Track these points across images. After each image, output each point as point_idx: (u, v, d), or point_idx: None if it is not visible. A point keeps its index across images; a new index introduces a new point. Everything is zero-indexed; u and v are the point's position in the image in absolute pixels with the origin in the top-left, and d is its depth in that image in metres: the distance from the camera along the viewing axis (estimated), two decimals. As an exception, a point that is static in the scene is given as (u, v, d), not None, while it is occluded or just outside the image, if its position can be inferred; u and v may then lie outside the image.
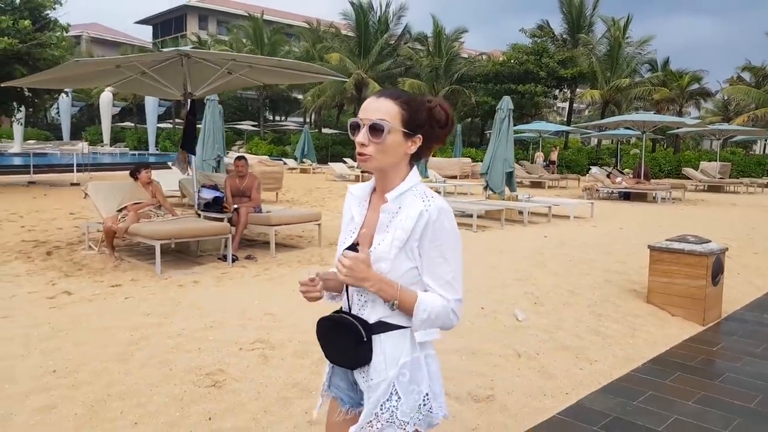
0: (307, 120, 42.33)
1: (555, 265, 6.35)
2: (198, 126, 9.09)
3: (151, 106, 33.09)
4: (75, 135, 39.87)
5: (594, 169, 18.13)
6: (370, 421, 1.45)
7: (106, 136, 35.21)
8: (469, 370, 3.48)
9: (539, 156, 24.81)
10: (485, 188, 11.35)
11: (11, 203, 10.85)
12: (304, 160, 26.21)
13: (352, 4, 31.82)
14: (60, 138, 39.42)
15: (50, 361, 3.35)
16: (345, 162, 24.04)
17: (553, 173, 23.24)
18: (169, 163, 10.96)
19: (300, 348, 3.57)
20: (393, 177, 1.49)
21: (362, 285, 1.41)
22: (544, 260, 6.58)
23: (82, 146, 25.08)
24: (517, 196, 11.04)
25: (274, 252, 6.58)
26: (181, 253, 6.50)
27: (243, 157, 7.08)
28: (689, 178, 21.46)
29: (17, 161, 22.36)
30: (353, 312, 1.50)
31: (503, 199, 10.74)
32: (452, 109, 1.60)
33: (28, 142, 31.32)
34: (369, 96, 1.53)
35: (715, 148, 38.09)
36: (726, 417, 3.09)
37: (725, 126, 24.65)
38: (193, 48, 6.29)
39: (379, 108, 1.45)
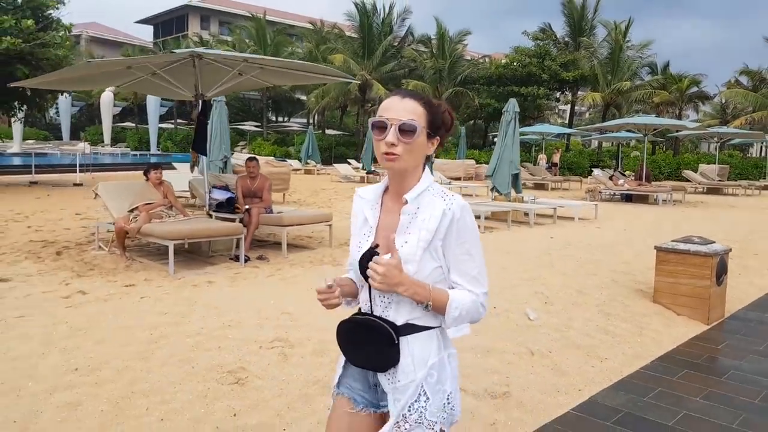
0: (311, 121, 42.37)
1: (562, 265, 6.43)
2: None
3: (153, 106, 33.10)
4: (74, 135, 39.89)
5: (596, 171, 18.24)
6: (398, 422, 1.46)
7: (107, 136, 35.25)
8: (484, 368, 3.55)
9: (542, 158, 24.90)
10: (491, 190, 11.43)
11: (15, 203, 10.91)
12: (309, 161, 26.27)
13: (356, 5, 31.90)
14: (59, 138, 39.46)
15: (71, 359, 3.41)
16: (349, 163, 24.11)
17: (555, 175, 23.34)
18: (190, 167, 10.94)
19: (318, 346, 3.64)
20: (411, 178, 1.49)
21: (396, 290, 1.40)
22: (552, 261, 6.66)
23: (84, 146, 25.17)
24: (522, 197, 11.13)
25: (286, 252, 6.65)
26: (193, 254, 6.57)
27: (254, 158, 7.15)
28: (689, 181, 21.57)
29: (19, 161, 22.39)
30: (376, 314, 1.49)
31: (509, 201, 10.82)
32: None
33: (27, 141, 31.34)
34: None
35: (713, 150, 38.23)
36: (733, 412, 3.16)
37: (725, 129, 24.80)
38: (205, 49, 6.33)
39: (406, 108, 1.45)
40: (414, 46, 34.43)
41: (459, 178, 21.40)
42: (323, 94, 32.45)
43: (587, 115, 52.31)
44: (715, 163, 22.81)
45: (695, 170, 22.96)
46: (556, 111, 44.26)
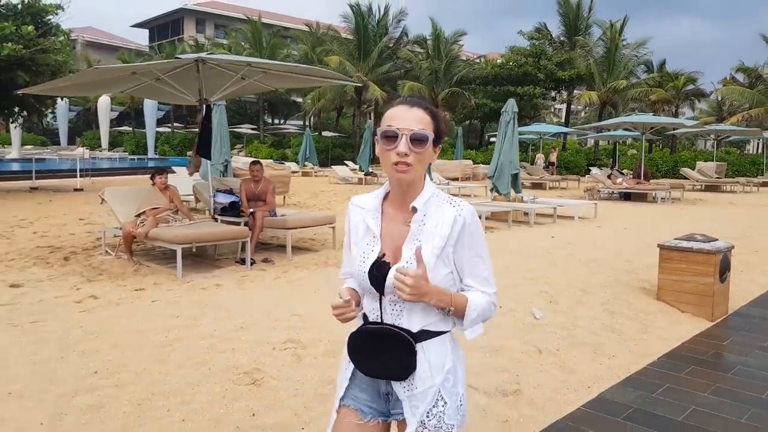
0: (307, 123, 42.43)
1: (565, 264, 6.50)
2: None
3: (150, 109, 33.06)
4: (72, 140, 39.86)
5: (594, 170, 18.34)
6: (417, 430, 1.46)
7: (105, 141, 35.23)
8: (494, 366, 3.62)
9: (539, 157, 25.01)
10: (491, 190, 11.50)
11: (18, 209, 10.93)
12: (306, 163, 26.33)
13: (351, 7, 31.97)
14: (56, 143, 39.43)
15: (90, 362, 3.47)
16: (347, 165, 24.17)
17: (552, 174, 23.45)
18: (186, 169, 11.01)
19: (330, 347, 3.70)
20: (416, 186, 1.49)
21: (423, 300, 1.41)
22: (554, 260, 6.73)
23: (83, 151, 25.17)
24: (522, 197, 11.21)
25: (291, 255, 6.71)
26: (199, 257, 6.62)
27: (258, 162, 7.21)
28: (687, 178, 21.70)
29: (19, 167, 22.38)
30: (387, 323, 1.49)
31: (509, 201, 10.89)
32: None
33: (25, 147, 31.35)
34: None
35: (709, 147, 38.39)
36: (740, 407, 3.23)
37: (722, 126, 24.94)
38: (208, 54, 6.40)
39: (415, 117, 1.45)
40: (410, 47, 34.50)
41: (457, 179, 21.48)
42: (319, 96, 32.50)
43: (582, 113, 52.52)
44: (712, 161, 22.94)
45: (693, 168, 23.10)
46: (552, 110, 44.44)
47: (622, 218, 11.21)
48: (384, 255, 1.47)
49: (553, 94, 33.74)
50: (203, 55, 6.47)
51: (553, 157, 26.58)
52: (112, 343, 3.78)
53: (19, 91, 7.88)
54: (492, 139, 37.36)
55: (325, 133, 36.62)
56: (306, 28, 38.94)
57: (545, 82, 29.91)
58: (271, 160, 22.91)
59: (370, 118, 33.79)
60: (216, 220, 6.89)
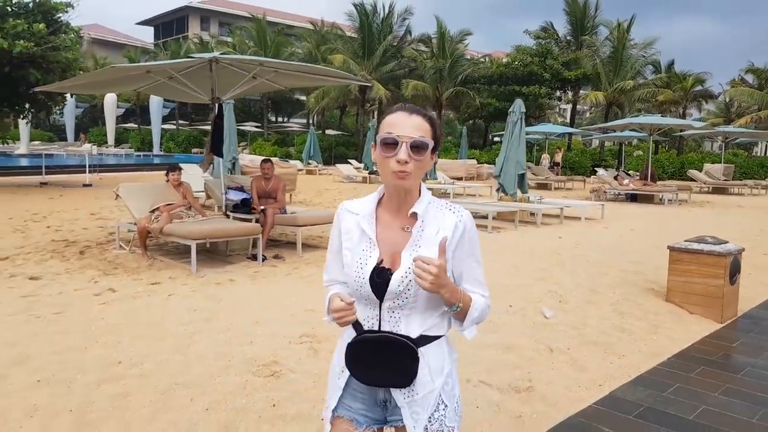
0: (311, 121, 42.54)
1: (573, 265, 6.56)
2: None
3: (156, 107, 33.19)
4: (78, 136, 40.08)
5: (601, 171, 18.36)
6: None
7: (111, 137, 35.40)
8: (506, 364, 3.69)
9: (545, 158, 25.03)
10: (497, 190, 11.56)
11: (30, 204, 11.04)
12: (310, 161, 26.42)
13: (356, 6, 32.00)
14: (63, 139, 39.66)
15: (113, 353, 3.55)
16: (350, 163, 24.25)
17: (557, 175, 23.47)
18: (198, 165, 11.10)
19: (347, 342, 3.77)
20: (413, 192, 1.50)
21: (440, 291, 1.41)
22: (562, 260, 6.79)
23: (91, 148, 25.33)
24: (528, 197, 11.26)
25: (301, 252, 6.79)
26: (211, 253, 6.71)
27: (269, 160, 7.30)
28: (693, 180, 21.68)
29: (28, 162, 22.54)
30: (384, 329, 1.48)
31: (515, 201, 10.95)
32: None
33: (32, 143, 31.55)
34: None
35: (716, 149, 38.31)
36: (751, 407, 3.29)
37: (731, 128, 24.90)
38: (222, 54, 6.48)
39: (415, 125, 1.45)
40: (414, 46, 34.52)
41: (461, 178, 21.52)
42: (323, 94, 32.54)
43: (588, 114, 52.46)
44: (720, 163, 22.90)
45: (700, 169, 23.08)
46: (557, 110, 44.40)
47: (629, 220, 11.25)
48: (382, 261, 1.47)
49: (558, 93, 33.70)
50: (217, 54, 6.54)
51: (558, 158, 26.58)
52: (133, 334, 3.87)
53: (37, 89, 7.98)
54: (496, 139, 37.43)
55: (328, 132, 36.69)
56: (310, 27, 39.03)
57: (551, 81, 29.84)
58: (277, 159, 23.01)
59: (374, 117, 33.86)
60: (228, 216, 6.97)
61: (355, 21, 32.54)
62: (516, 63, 30.69)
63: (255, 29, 36.89)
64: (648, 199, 15.42)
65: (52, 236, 7.66)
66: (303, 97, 40.29)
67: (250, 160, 16.42)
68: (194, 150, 38.22)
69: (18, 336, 3.82)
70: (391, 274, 1.44)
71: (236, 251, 6.80)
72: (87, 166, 16.99)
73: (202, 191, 8.62)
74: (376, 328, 1.48)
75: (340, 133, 37.04)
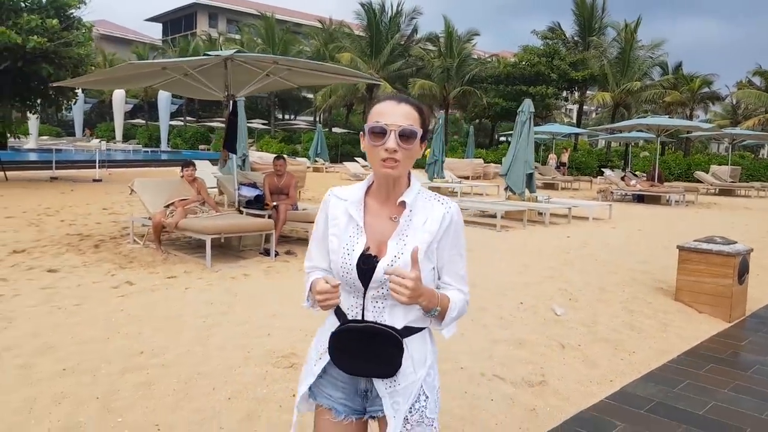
0: (317, 119, 42.66)
1: (582, 264, 6.62)
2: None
3: (164, 103, 33.36)
4: (84, 132, 40.31)
5: (608, 172, 18.37)
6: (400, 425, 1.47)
7: (119, 133, 35.62)
8: (519, 359, 3.75)
9: (552, 158, 25.04)
10: (505, 189, 11.61)
11: (42, 198, 11.16)
12: (317, 159, 26.52)
13: (363, 5, 32.04)
14: (71, 134, 39.91)
15: (135, 344, 3.64)
16: (357, 161, 24.33)
17: (564, 175, 23.48)
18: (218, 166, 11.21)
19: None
20: (402, 181, 1.49)
21: (417, 302, 1.38)
22: (571, 259, 6.85)
23: (100, 143, 25.52)
24: (536, 197, 11.31)
25: (313, 248, 6.86)
26: (223, 248, 6.79)
27: (282, 157, 7.38)
28: (700, 182, 21.65)
29: (37, 157, 22.72)
30: (368, 319, 1.46)
31: (523, 200, 11.00)
32: None
33: (41, 138, 31.79)
34: (382, 95, 1.51)
35: (722, 151, 38.16)
36: (760, 404, 3.35)
37: (738, 130, 24.84)
38: (236, 52, 6.56)
39: (403, 113, 1.44)
40: (422, 45, 34.57)
41: (467, 177, 21.56)
42: (330, 92, 32.63)
43: (594, 114, 52.36)
44: (726, 164, 22.87)
45: (706, 171, 23.05)
46: (564, 110, 44.35)
47: (636, 220, 11.29)
48: (369, 248, 1.46)
49: (564, 94, 33.67)
50: (232, 52, 6.62)
51: (565, 158, 26.59)
52: (153, 326, 3.95)
53: (54, 84, 8.10)
54: (502, 139, 37.44)
55: (335, 130, 36.80)
56: (318, 25, 39.12)
57: (558, 82, 29.86)
58: (286, 155, 23.09)
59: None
60: (241, 212, 7.06)
61: (363, 19, 32.61)
62: (523, 63, 30.72)
63: (264, 27, 37.02)
64: (655, 200, 15.43)
65: (67, 230, 7.76)
66: (310, 95, 40.40)
67: (258, 156, 16.50)
68: (201, 146, 38.44)
69: (40, 327, 3.91)
70: (377, 261, 1.43)
71: (248, 247, 6.89)
72: (96, 161, 17.12)
73: (213, 187, 8.71)
74: (359, 317, 1.46)
75: (346, 131, 37.13)
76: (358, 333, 1.44)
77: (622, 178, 16.77)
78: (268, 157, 16.32)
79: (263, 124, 39.93)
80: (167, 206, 6.51)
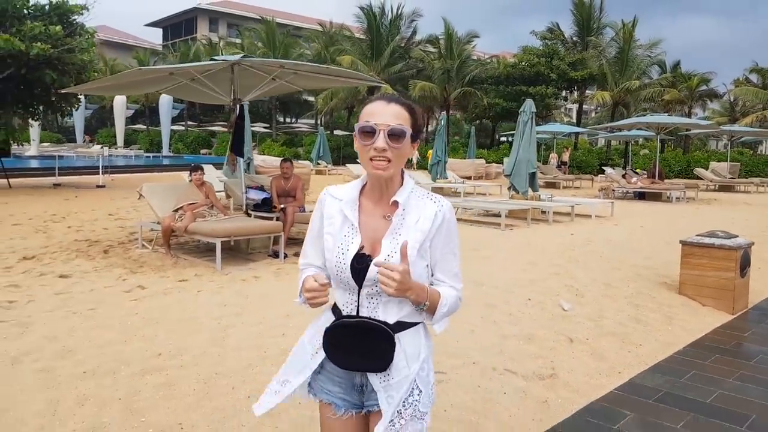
0: (319, 122, 42.77)
1: (587, 260, 6.70)
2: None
3: (165, 107, 33.41)
4: (90, 137, 40.45)
5: (609, 170, 18.46)
6: (392, 420, 1.48)
7: (120, 139, 35.73)
8: (529, 353, 3.83)
9: (553, 157, 25.13)
10: (509, 188, 11.70)
11: (47, 205, 11.24)
12: (320, 161, 26.63)
13: (362, 9, 32.16)
14: (71, 140, 40.00)
15: (152, 346, 3.72)
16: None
17: (565, 174, 23.57)
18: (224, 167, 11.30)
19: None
20: (395, 180, 1.50)
21: (405, 295, 1.41)
22: (576, 256, 6.92)
23: (103, 149, 25.63)
24: (539, 195, 11.39)
25: (320, 249, 6.94)
26: (232, 251, 6.88)
27: (289, 160, 7.47)
28: (700, 178, 21.74)
29: (38, 163, 22.81)
30: (363, 315, 1.49)
31: (526, 199, 11.09)
32: None
33: (42, 144, 31.88)
34: (371, 98, 1.53)
35: (721, 148, 38.21)
36: (765, 391, 3.43)
37: (737, 127, 24.94)
38: (243, 57, 6.66)
39: (393, 113, 1.45)
40: (422, 47, 34.69)
41: (470, 177, 21.63)
42: (331, 95, 32.72)
43: (593, 114, 52.46)
44: (726, 161, 22.96)
45: (706, 168, 23.15)
46: (564, 110, 44.46)
47: (638, 217, 11.37)
48: (363, 247, 1.48)
49: (564, 93, 33.79)
50: (239, 57, 6.71)
51: (566, 157, 26.68)
52: (168, 328, 4.03)
53: (63, 90, 8.19)
54: (503, 139, 37.51)
55: (336, 132, 36.90)
56: (319, 28, 39.25)
57: (558, 82, 29.97)
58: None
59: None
60: (249, 215, 7.15)
61: (363, 22, 32.72)
62: (523, 63, 30.84)
63: (264, 31, 37.14)
64: (656, 196, 15.51)
65: (74, 236, 7.85)
66: (311, 98, 40.52)
67: (262, 159, 16.60)
68: (203, 151, 38.56)
69: (57, 331, 3.98)
70: (371, 260, 1.45)
71: (257, 249, 6.96)
72: (100, 167, 17.22)
73: (220, 191, 8.80)
74: (354, 313, 1.49)
75: (348, 133, 37.22)
76: (351, 328, 1.47)
77: (624, 176, 16.85)
78: (271, 160, 16.43)
79: (265, 127, 40.04)
80: (176, 210, 6.59)
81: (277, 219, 6.98)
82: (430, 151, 19.32)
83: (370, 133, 1.44)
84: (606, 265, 6.48)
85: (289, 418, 2.86)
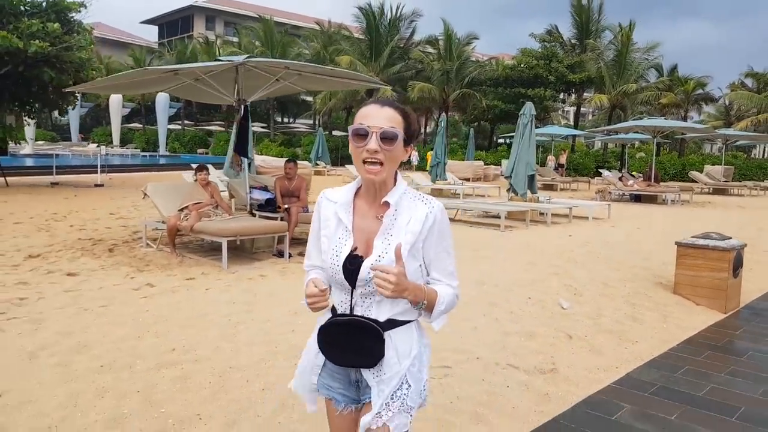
0: (317, 122, 42.86)
1: (585, 261, 6.85)
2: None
3: (162, 106, 33.36)
4: (83, 136, 40.37)
5: (606, 173, 18.65)
6: (379, 412, 1.53)
7: (116, 138, 35.71)
8: (530, 349, 3.97)
9: (551, 159, 25.32)
10: (508, 190, 11.86)
11: (46, 204, 11.29)
12: (318, 162, 26.74)
13: (361, 9, 32.25)
14: (66, 139, 39.93)
15: (166, 341, 3.84)
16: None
17: (562, 176, 23.78)
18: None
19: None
20: (388, 183, 1.53)
21: (402, 296, 1.44)
22: (574, 257, 7.08)
23: (100, 148, 25.64)
24: (538, 197, 11.55)
25: (323, 249, 7.07)
26: (236, 250, 6.99)
27: (293, 160, 7.59)
28: (695, 181, 21.98)
29: (33, 162, 22.79)
30: (357, 314, 1.53)
31: (525, 201, 11.24)
32: None
33: (37, 143, 31.82)
34: (366, 101, 1.58)
35: (716, 151, 38.53)
36: (754, 385, 3.58)
37: (732, 131, 25.22)
38: (248, 58, 6.77)
39: (386, 116, 1.48)
40: (421, 48, 34.82)
41: (468, 179, 21.80)
42: (330, 95, 32.79)
43: (590, 116, 52.74)
44: (720, 165, 23.23)
45: (701, 171, 23.40)
46: (561, 113, 44.69)
47: (635, 219, 11.54)
48: (356, 248, 1.51)
49: (562, 96, 33.98)
50: (244, 58, 6.82)
51: (563, 159, 26.89)
52: (180, 325, 4.15)
53: (68, 89, 8.26)
54: (500, 141, 37.72)
55: (335, 133, 36.99)
56: (317, 27, 39.32)
57: (556, 84, 30.16)
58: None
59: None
60: (253, 215, 7.26)
61: (362, 22, 32.80)
62: (521, 65, 31.00)
63: (262, 29, 37.18)
64: (651, 199, 15.71)
65: (78, 235, 7.93)
66: (309, 98, 40.58)
67: (262, 159, 16.70)
68: (199, 150, 38.57)
69: (71, 327, 4.08)
70: (363, 260, 1.49)
71: (261, 249, 7.08)
72: (98, 166, 17.26)
73: (223, 191, 8.89)
74: (348, 312, 1.54)
75: (346, 133, 36.91)
76: (343, 327, 1.53)
77: (620, 179, 17.05)
78: (271, 160, 16.51)
79: (262, 127, 40.09)
80: (181, 210, 6.70)
81: (282, 219, 7.09)
82: (430, 153, 19.47)
83: (363, 135, 1.47)
84: (603, 266, 6.63)
85: (302, 410, 2.98)
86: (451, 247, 1.59)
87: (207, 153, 37.31)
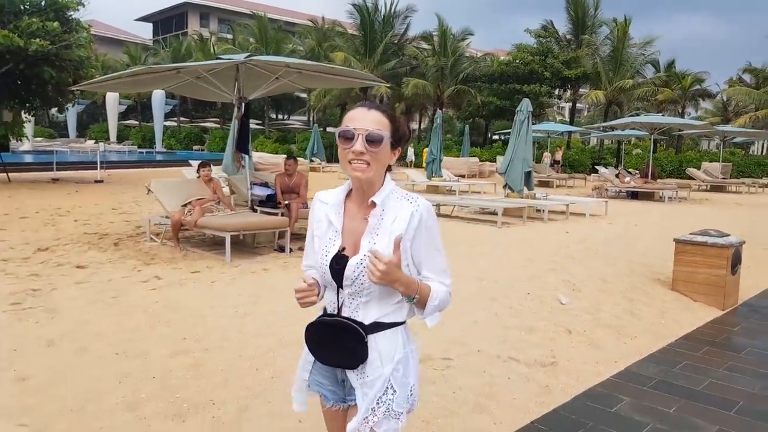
0: (311, 119, 42.84)
1: (583, 257, 6.95)
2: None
3: (158, 102, 33.22)
4: (79, 133, 40.26)
5: (602, 169, 18.76)
6: (366, 417, 1.54)
7: (113, 134, 35.64)
8: (530, 343, 4.07)
9: (546, 156, 25.42)
10: (504, 187, 11.94)
11: (48, 199, 11.34)
12: (313, 158, 26.79)
13: (355, 6, 32.17)
14: (63, 135, 39.83)
15: (177, 331, 3.92)
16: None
17: (558, 172, 23.88)
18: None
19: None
20: (376, 185, 1.56)
21: (393, 285, 1.48)
22: (571, 253, 7.17)
23: (98, 144, 25.61)
24: (534, 194, 11.64)
25: (325, 244, 7.15)
26: (238, 245, 7.06)
27: (293, 157, 7.66)
28: (692, 178, 22.12)
29: (32, 158, 22.77)
30: (344, 315, 1.56)
31: (522, 198, 11.33)
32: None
33: (35, 139, 31.74)
34: (376, 94, 1.67)
35: (713, 148, 38.74)
36: (752, 381, 3.68)
37: (730, 128, 25.35)
38: (249, 56, 6.83)
39: (372, 119, 1.51)
40: (416, 44, 34.78)
41: (464, 176, 21.89)
42: (325, 92, 32.75)
43: (585, 113, 52.84)
44: (718, 161, 23.36)
45: (698, 168, 23.54)
46: (556, 109, 44.78)
47: (632, 216, 11.66)
48: (344, 249, 1.54)
49: (557, 92, 34.03)
50: (245, 56, 6.87)
51: (559, 156, 26.96)
52: (189, 315, 4.24)
53: (72, 87, 8.30)
54: (495, 138, 37.79)
55: (329, 129, 37.00)
56: (311, 24, 39.24)
57: (551, 80, 30.19)
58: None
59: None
60: (255, 210, 7.33)
61: (356, 18, 32.78)
62: (517, 61, 31.00)
63: (257, 26, 37.11)
64: (649, 196, 15.84)
65: (83, 229, 7.99)
66: (304, 95, 40.54)
67: (258, 156, 16.76)
68: (195, 147, 38.53)
69: (86, 317, 4.18)
70: (348, 260, 1.52)
71: (262, 244, 7.16)
72: (98, 162, 17.28)
73: (224, 187, 8.96)
74: (337, 312, 1.57)
75: (341, 131, 37.23)
76: (328, 327, 1.57)
77: (617, 176, 17.17)
78: (267, 156, 16.56)
79: (257, 124, 40.00)
80: (185, 205, 6.76)
81: (282, 215, 7.17)
82: (426, 150, 19.54)
83: (349, 138, 1.50)
84: (601, 262, 6.73)
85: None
86: (440, 244, 1.61)
87: (203, 150, 37.27)
